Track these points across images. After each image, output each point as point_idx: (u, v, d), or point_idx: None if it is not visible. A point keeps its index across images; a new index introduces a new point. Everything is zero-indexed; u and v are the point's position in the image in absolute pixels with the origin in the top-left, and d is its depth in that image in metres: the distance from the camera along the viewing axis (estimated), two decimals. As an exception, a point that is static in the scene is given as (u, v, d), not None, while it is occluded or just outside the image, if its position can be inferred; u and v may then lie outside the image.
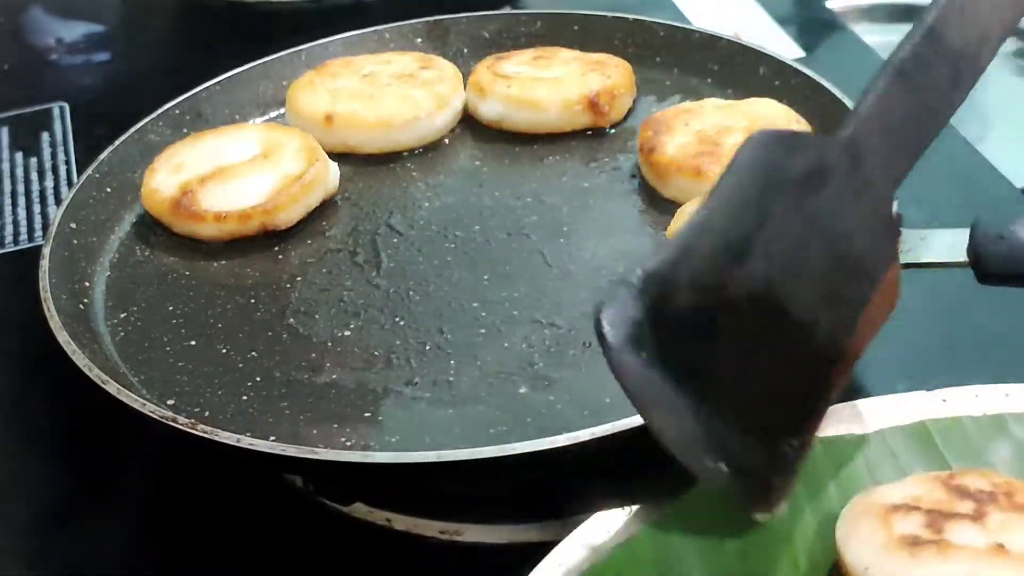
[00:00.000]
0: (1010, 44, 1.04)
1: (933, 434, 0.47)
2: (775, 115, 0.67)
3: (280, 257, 0.65)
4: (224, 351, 0.58)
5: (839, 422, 0.48)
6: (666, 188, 0.65)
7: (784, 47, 0.90)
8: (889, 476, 0.46)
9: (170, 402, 0.54)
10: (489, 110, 0.74)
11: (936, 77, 0.49)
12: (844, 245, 0.46)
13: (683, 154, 0.65)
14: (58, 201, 0.80)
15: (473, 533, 0.54)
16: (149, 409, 0.50)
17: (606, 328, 0.43)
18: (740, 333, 0.44)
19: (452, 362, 0.56)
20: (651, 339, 0.43)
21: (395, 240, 0.65)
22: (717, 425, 0.43)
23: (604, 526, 0.45)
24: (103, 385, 0.51)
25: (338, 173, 0.69)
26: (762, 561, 0.44)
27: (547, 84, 0.73)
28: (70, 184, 0.81)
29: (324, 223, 0.67)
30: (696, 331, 0.43)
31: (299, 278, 0.63)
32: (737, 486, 0.44)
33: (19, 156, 0.86)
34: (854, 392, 0.59)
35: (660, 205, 0.65)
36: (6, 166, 0.85)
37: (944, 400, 0.49)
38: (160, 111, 0.73)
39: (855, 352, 0.46)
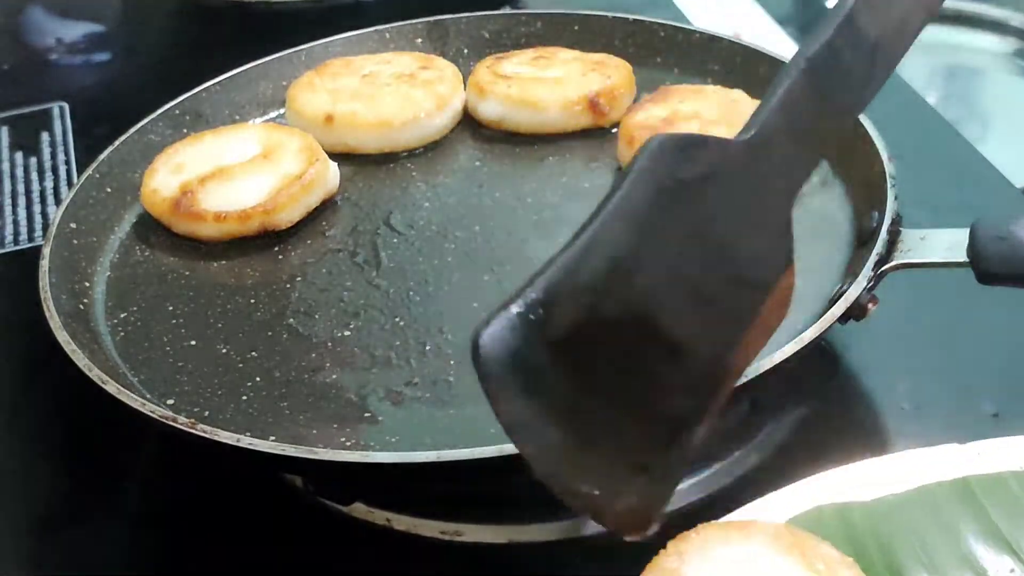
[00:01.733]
0: (1010, 44, 1.04)
1: (975, 490, 0.46)
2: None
3: (280, 257, 0.65)
4: (224, 351, 0.58)
5: (876, 482, 0.47)
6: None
7: (784, 47, 0.90)
8: (935, 533, 0.45)
9: (170, 402, 0.54)
10: (489, 110, 0.74)
11: (849, 71, 0.46)
12: (732, 253, 0.44)
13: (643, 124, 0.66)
14: (58, 201, 0.80)
15: (473, 533, 0.54)
16: (149, 409, 0.50)
17: (484, 356, 0.39)
18: (621, 356, 0.41)
19: (452, 362, 0.56)
20: (531, 367, 0.40)
21: (395, 240, 0.65)
22: (592, 456, 0.41)
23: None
24: (103, 385, 0.51)
25: (338, 173, 0.69)
26: None
27: (547, 84, 0.73)
28: (70, 184, 0.81)
29: (324, 223, 0.67)
30: (577, 358, 0.40)
31: (299, 278, 0.63)
32: (610, 513, 0.42)
33: (19, 156, 0.86)
34: (857, 393, 0.59)
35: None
36: (6, 166, 0.85)
37: (979, 453, 0.47)
38: (160, 111, 0.73)
39: (740, 366, 0.44)
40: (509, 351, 0.39)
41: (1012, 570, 0.44)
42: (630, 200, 0.42)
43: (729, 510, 0.45)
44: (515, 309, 0.39)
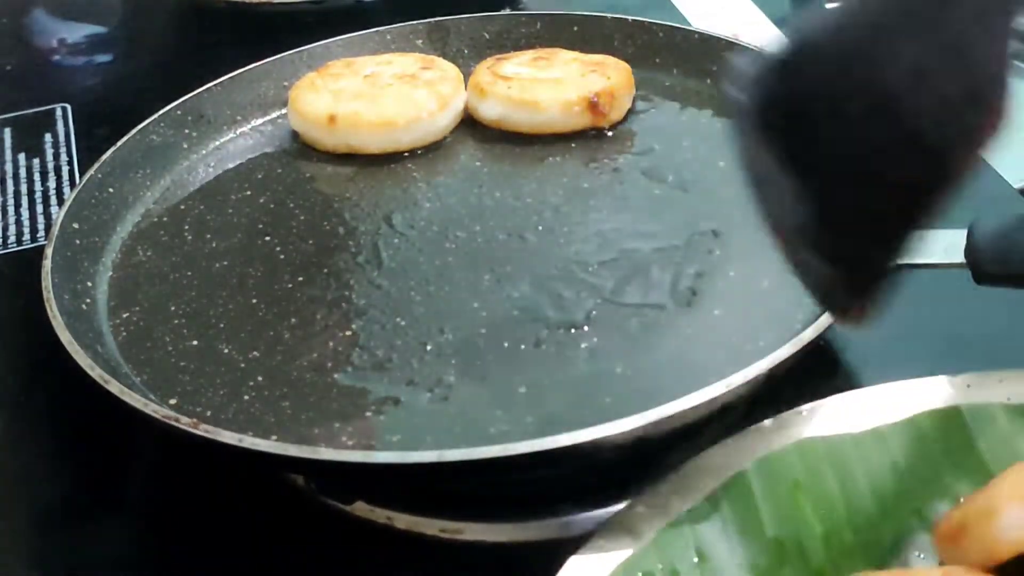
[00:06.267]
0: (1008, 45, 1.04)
1: (966, 420, 0.47)
2: None
3: (282, 257, 0.65)
4: (226, 351, 0.58)
5: (864, 414, 0.48)
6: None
7: (783, 48, 0.90)
8: (921, 464, 0.46)
9: (172, 402, 0.55)
10: (489, 110, 0.74)
11: None
12: (969, 60, 0.42)
13: None
14: (60, 201, 0.80)
15: (474, 531, 0.54)
16: (151, 409, 0.50)
17: (736, 94, 0.40)
18: (858, 135, 0.41)
19: (452, 362, 0.56)
20: (771, 120, 0.40)
21: (396, 240, 0.66)
22: (817, 225, 0.41)
23: (640, 511, 0.46)
24: (105, 385, 0.52)
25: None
26: (796, 547, 0.44)
27: (547, 85, 0.73)
28: (72, 184, 0.81)
29: (325, 223, 0.68)
30: (814, 123, 0.40)
31: (301, 278, 0.63)
32: (828, 289, 0.42)
33: (22, 157, 0.86)
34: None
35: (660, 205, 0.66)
36: (9, 167, 0.85)
37: (969, 385, 0.49)
38: (161, 112, 0.74)
39: (960, 171, 0.42)
40: (756, 98, 0.39)
41: None
42: None
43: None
44: (771, 56, 0.39)
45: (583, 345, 0.56)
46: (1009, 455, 0.46)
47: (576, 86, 0.73)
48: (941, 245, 0.55)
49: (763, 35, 0.92)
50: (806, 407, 0.49)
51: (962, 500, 0.44)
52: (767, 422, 0.49)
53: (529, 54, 0.77)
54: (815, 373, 0.59)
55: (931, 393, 0.49)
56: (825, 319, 0.51)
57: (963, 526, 0.39)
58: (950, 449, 0.47)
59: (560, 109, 0.72)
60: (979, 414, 0.47)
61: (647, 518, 0.45)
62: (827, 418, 0.49)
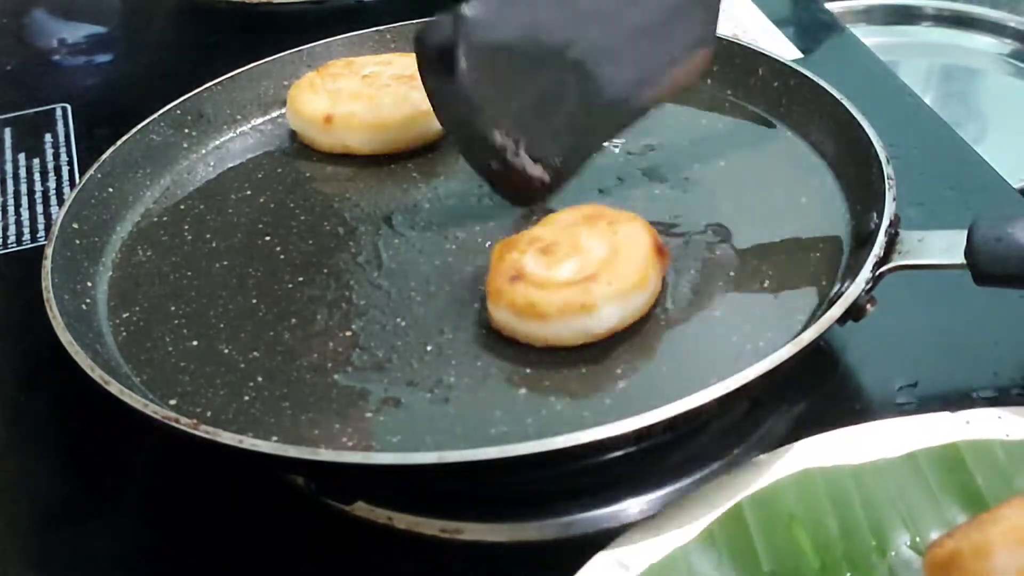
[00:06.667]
0: (1007, 46, 1.04)
1: (964, 456, 0.47)
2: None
3: (282, 257, 0.65)
4: (226, 351, 0.58)
5: (865, 447, 0.48)
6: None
7: (782, 48, 0.90)
8: (920, 498, 0.46)
9: (172, 402, 0.55)
10: (532, 333, 0.56)
11: None
12: (657, 19, 0.58)
13: None
14: (60, 201, 0.80)
15: (473, 532, 0.54)
16: (151, 410, 0.50)
17: (423, 46, 0.56)
18: (544, 73, 0.57)
19: (453, 362, 0.56)
20: (464, 60, 0.55)
21: (396, 240, 0.66)
22: (501, 136, 0.58)
23: (633, 544, 0.45)
24: (105, 385, 0.52)
25: None
26: None
27: (592, 286, 0.55)
28: (72, 184, 0.81)
29: (326, 223, 0.68)
30: (505, 62, 0.56)
31: (301, 278, 0.63)
32: (502, 185, 0.62)
33: (22, 157, 0.86)
34: (854, 393, 0.59)
35: (660, 205, 0.66)
36: (9, 167, 0.85)
37: (968, 422, 0.48)
38: (161, 112, 0.74)
39: (642, 106, 0.62)
40: (442, 47, 0.55)
41: None
42: None
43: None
44: (451, 20, 0.54)
45: (583, 346, 0.56)
46: (1007, 491, 0.45)
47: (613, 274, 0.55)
48: (941, 246, 0.55)
49: (763, 35, 0.92)
50: (803, 442, 0.49)
51: (955, 527, 0.44)
52: (763, 456, 0.48)
53: (532, 244, 0.58)
54: (815, 373, 0.59)
55: (930, 429, 0.48)
56: (826, 319, 0.51)
57: (956, 558, 0.39)
58: (949, 485, 0.46)
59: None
60: (978, 450, 0.47)
61: (641, 553, 0.45)
62: (825, 452, 0.48)
